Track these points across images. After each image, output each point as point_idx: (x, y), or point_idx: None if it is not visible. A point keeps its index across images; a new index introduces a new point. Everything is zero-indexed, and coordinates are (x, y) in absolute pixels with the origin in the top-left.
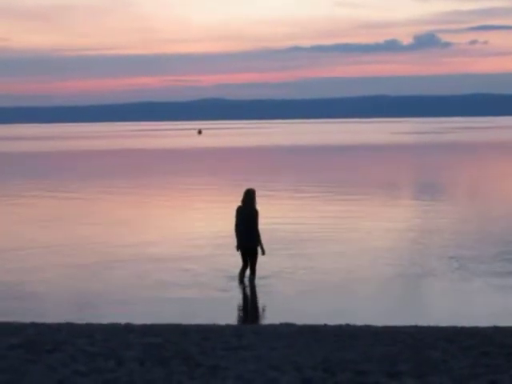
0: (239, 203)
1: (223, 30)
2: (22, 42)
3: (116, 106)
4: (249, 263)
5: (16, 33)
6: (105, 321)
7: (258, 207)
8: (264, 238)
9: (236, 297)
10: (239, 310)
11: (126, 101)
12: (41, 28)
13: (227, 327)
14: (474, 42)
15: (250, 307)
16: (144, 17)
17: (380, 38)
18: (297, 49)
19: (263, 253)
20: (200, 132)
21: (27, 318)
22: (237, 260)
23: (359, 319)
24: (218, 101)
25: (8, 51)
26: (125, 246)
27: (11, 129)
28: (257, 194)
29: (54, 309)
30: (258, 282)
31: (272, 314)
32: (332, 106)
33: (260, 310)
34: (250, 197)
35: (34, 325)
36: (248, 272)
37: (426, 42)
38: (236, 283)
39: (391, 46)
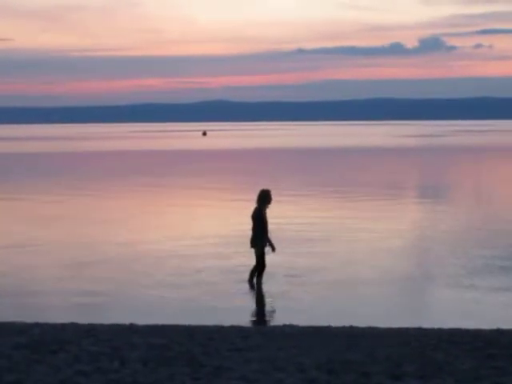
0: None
1: (229, 32)
2: (26, 42)
3: (121, 107)
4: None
5: (20, 33)
6: (109, 321)
7: (268, 208)
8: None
9: (241, 297)
10: (244, 310)
11: (131, 102)
12: (45, 28)
13: (232, 328)
14: (478, 46)
15: (254, 308)
16: (150, 18)
17: (385, 41)
18: (302, 51)
19: (273, 249)
20: (205, 133)
21: (31, 318)
22: (242, 260)
23: (363, 321)
24: (223, 103)
25: (12, 51)
26: (128, 245)
27: (14, 129)
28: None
29: (58, 309)
30: (259, 283)
31: (276, 314)
32: (337, 108)
33: (264, 310)
34: (258, 197)
35: (38, 325)
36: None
37: (431, 45)
38: (242, 283)
39: (396, 50)
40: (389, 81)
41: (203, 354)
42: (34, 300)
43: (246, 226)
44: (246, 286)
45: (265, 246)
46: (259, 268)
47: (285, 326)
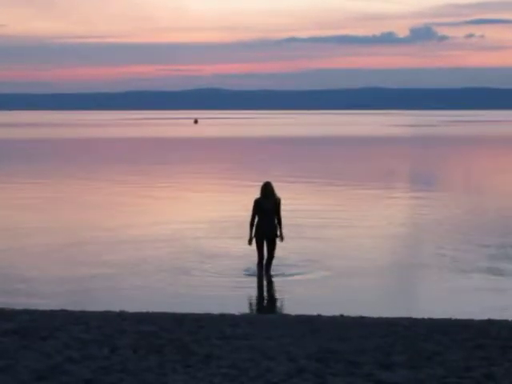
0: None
1: (221, 19)
2: (20, 29)
3: (113, 94)
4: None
5: (14, 19)
6: (99, 308)
7: (264, 199)
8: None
9: (230, 286)
10: (233, 299)
11: (122, 89)
12: (38, 14)
13: (221, 316)
14: (470, 36)
15: (244, 297)
16: (142, 5)
17: (376, 30)
18: (294, 40)
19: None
20: (196, 121)
21: (21, 305)
22: (232, 247)
23: (353, 310)
24: (214, 90)
25: (5, 37)
26: (117, 231)
27: (7, 115)
28: (256, 182)
29: (48, 295)
30: (248, 270)
31: (266, 303)
32: (328, 97)
33: (255, 299)
34: (271, 188)
35: (28, 311)
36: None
37: (423, 34)
38: (232, 271)
39: (387, 39)
40: (380, 70)
41: (193, 341)
42: (23, 286)
43: (236, 213)
44: (236, 274)
45: (253, 235)
46: (269, 255)
47: (274, 315)
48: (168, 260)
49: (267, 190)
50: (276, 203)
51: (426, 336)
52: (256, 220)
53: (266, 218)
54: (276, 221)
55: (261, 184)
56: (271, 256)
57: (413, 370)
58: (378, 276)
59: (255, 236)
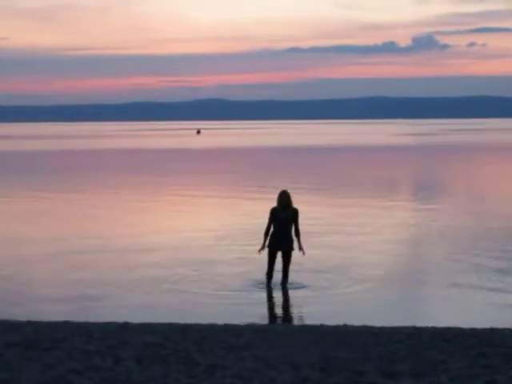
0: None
1: (222, 30)
2: (21, 41)
3: (115, 106)
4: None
5: (15, 32)
6: (102, 319)
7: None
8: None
9: (234, 296)
10: (238, 309)
11: (125, 100)
12: (39, 27)
13: (225, 326)
14: (472, 45)
15: (249, 306)
16: (143, 17)
17: (378, 39)
18: (295, 50)
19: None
20: (199, 132)
21: (24, 317)
22: (234, 255)
23: (357, 319)
24: (216, 101)
25: (6, 50)
26: (119, 241)
27: (9, 127)
28: (258, 191)
29: (51, 307)
30: (252, 280)
31: (269, 313)
32: (330, 107)
33: (258, 309)
34: (288, 198)
35: (31, 323)
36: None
37: (424, 43)
38: (234, 281)
39: (389, 48)
40: (382, 79)
41: (197, 352)
42: (26, 298)
43: (243, 222)
44: (241, 284)
45: (266, 244)
46: (283, 269)
47: (278, 324)
48: (172, 269)
49: (284, 199)
50: (294, 214)
51: (430, 344)
52: (271, 230)
53: (282, 228)
54: (293, 233)
55: (277, 193)
56: (286, 271)
57: (416, 379)
58: (381, 284)
59: (269, 246)
